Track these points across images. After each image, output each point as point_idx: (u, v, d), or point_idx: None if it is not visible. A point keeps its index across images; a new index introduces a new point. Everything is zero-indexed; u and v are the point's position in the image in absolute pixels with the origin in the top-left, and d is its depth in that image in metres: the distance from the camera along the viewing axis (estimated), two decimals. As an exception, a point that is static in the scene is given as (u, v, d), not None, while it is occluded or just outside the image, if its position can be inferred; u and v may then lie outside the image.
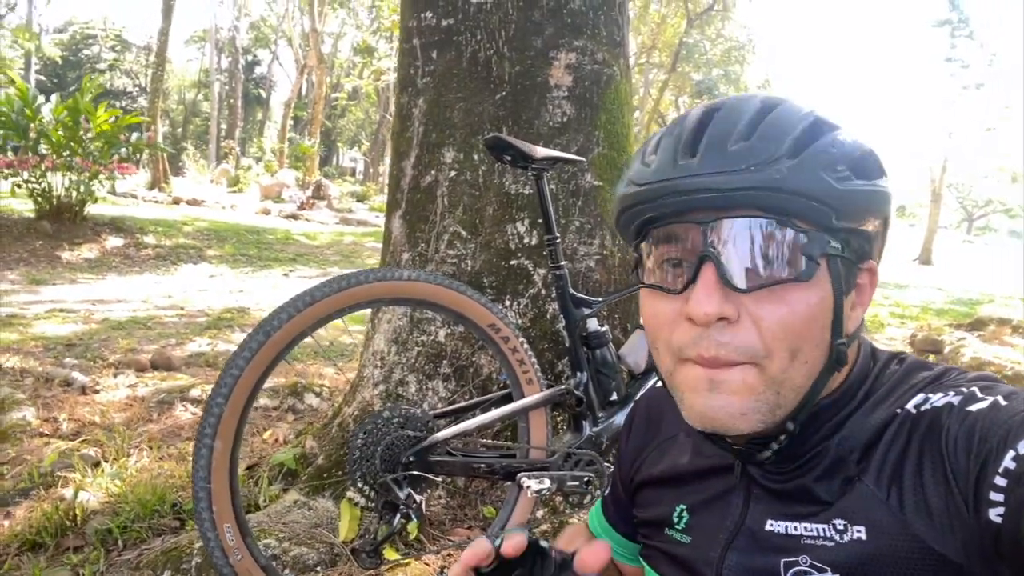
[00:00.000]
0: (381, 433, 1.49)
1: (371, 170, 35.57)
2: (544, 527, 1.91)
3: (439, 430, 1.54)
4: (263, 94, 44.11)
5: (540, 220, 2.00)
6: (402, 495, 1.45)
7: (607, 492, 1.01)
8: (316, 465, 2.06)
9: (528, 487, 1.55)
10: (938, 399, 0.65)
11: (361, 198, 22.30)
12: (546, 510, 1.98)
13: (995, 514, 0.55)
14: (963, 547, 0.58)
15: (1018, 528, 0.52)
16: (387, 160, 30.80)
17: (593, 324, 1.79)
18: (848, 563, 0.64)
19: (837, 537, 0.65)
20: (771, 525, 0.71)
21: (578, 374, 1.76)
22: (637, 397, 1.84)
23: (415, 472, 1.48)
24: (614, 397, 1.81)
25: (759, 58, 31.37)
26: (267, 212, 15.86)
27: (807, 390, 0.67)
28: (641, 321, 0.76)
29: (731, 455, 0.77)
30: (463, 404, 1.73)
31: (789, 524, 0.69)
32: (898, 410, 0.67)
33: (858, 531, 0.64)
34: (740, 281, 0.63)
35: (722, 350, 0.63)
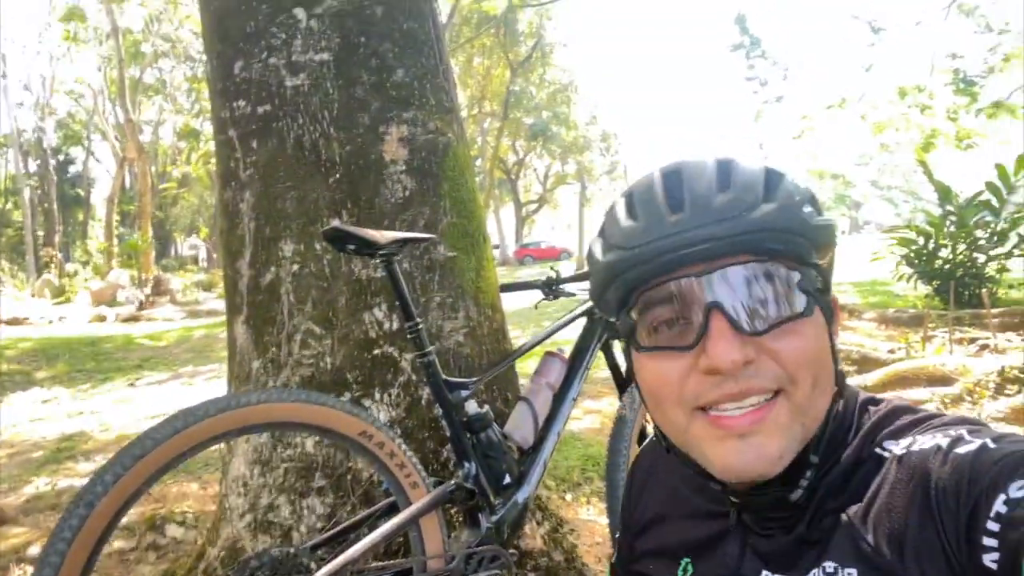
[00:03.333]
0: (252, 586, 1.28)
1: (214, 255, 33.81)
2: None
3: (319, 565, 1.35)
4: (82, 193, 40.93)
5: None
6: (287, 656, 1.25)
7: (614, 560, 0.97)
8: (184, 625, 1.77)
9: (432, 608, 1.39)
10: (925, 441, 0.64)
11: (208, 287, 21.04)
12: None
13: (989, 560, 0.54)
14: None
15: (1013, 573, 0.52)
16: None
17: (472, 407, 1.67)
18: None
19: None
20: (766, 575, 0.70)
21: (465, 464, 1.63)
22: (532, 475, 1.74)
23: (299, 625, 1.28)
24: (507, 480, 1.69)
25: (583, 97, 33.21)
26: (102, 319, 14.55)
27: (823, 420, 0.68)
28: (640, 387, 0.74)
29: (728, 506, 0.76)
30: (343, 525, 1.55)
31: None
32: (885, 452, 0.67)
33: (850, 572, 0.63)
34: (749, 325, 0.64)
35: (752, 381, 0.64)
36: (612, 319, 0.75)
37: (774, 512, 0.71)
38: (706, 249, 0.64)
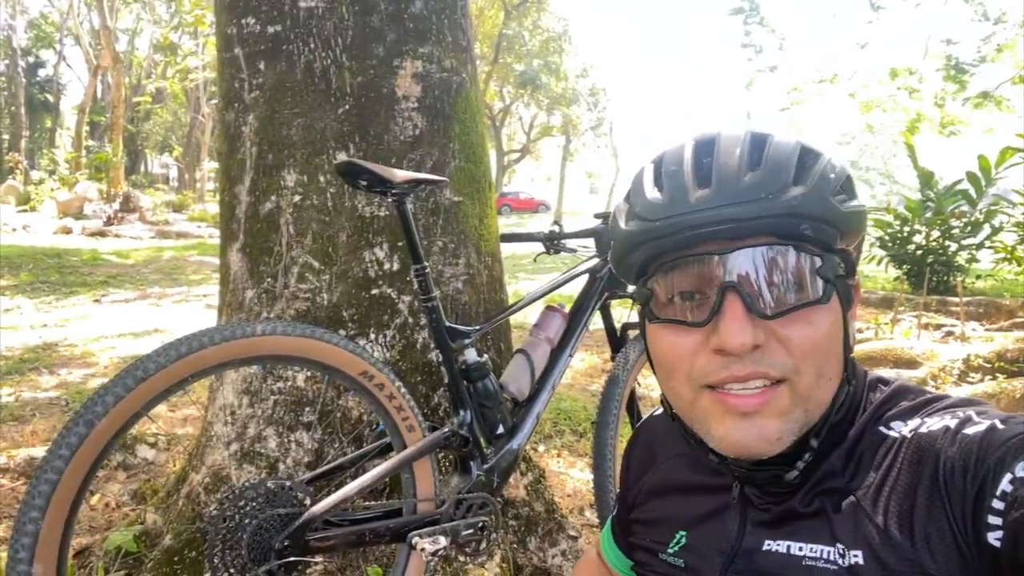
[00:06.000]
0: (245, 516, 1.27)
1: (186, 176, 32.95)
2: (438, 578, 1.76)
3: (314, 500, 1.35)
4: (51, 99, 39.29)
5: (401, 244, 1.84)
6: (279, 588, 1.25)
7: (615, 514, 0.99)
8: (163, 547, 1.76)
9: (423, 549, 1.40)
10: (934, 423, 0.65)
11: (178, 208, 20.63)
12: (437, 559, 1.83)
13: (993, 538, 0.55)
14: (960, 571, 0.57)
15: (1017, 552, 0.52)
16: (204, 165, 28.71)
17: (472, 355, 1.66)
18: None
19: (840, 560, 0.64)
20: (768, 545, 0.70)
21: (461, 412, 1.63)
22: (524, 427, 1.75)
23: (291, 558, 1.28)
24: (500, 430, 1.69)
25: (576, 48, 32.60)
26: (68, 231, 14.19)
27: (828, 405, 0.68)
28: (651, 356, 0.75)
29: (731, 478, 0.77)
30: (337, 463, 1.54)
31: (791, 544, 0.68)
32: (892, 432, 0.68)
33: (855, 555, 0.63)
34: (766, 308, 0.65)
35: (758, 366, 0.64)
36: (631, 285, 0.77)
37: (775, 486, 0.72)
38: (728, 229, 0.64)
